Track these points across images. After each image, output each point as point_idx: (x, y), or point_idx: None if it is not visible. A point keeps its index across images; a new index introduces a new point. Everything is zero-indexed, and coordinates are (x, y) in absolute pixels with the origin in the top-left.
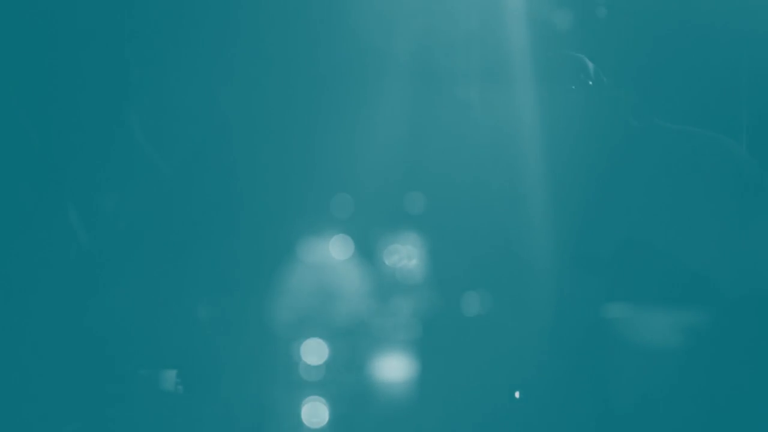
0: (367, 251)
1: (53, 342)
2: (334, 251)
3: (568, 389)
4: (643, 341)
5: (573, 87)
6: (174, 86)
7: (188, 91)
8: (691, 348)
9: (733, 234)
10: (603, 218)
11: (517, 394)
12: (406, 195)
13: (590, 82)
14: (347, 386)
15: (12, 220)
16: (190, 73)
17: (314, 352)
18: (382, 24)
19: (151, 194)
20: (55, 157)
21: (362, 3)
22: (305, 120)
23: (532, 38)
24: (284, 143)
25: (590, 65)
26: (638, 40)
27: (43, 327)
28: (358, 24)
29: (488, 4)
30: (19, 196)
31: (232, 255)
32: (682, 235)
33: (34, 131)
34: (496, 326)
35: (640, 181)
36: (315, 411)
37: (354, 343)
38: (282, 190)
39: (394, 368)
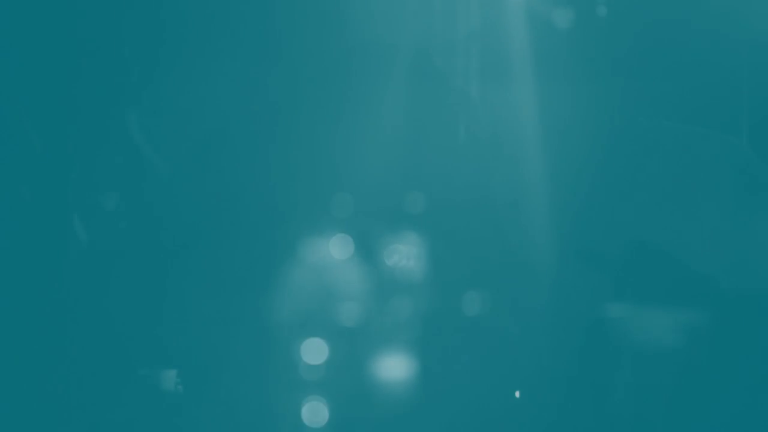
0: (367, 251)
1: (53, 342)
2: (334, 251)
3: (570, 389)
4: (647, 341)
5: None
6: (172, 86)
7: (187, 91)
8: (694, 347)
9: (739, 233)
10: (606, 217)
11: (517, 394)
12: (406, 195)
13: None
14: (347, 386)
15: (11, 220)
16: (189, 73)
17: (314, 352)
18: (382, 22)
19: (150, 194)
20: (55, 157)
21: (362, 1)
22: (305, 119)
23: (535, 36)
24: (284, 143)
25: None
26: (641, 39)
27: (43, 327)
28: (356, 22)
29: (490, 2)
30: (19, 197)
31: (231, 255)
32: (686, 234)
33: (33, 131)
34: (497, 326)
35: (644, 180)
36: (315, 411)
37: (354, 343)
38: (281, 189)
39: (393, 368)
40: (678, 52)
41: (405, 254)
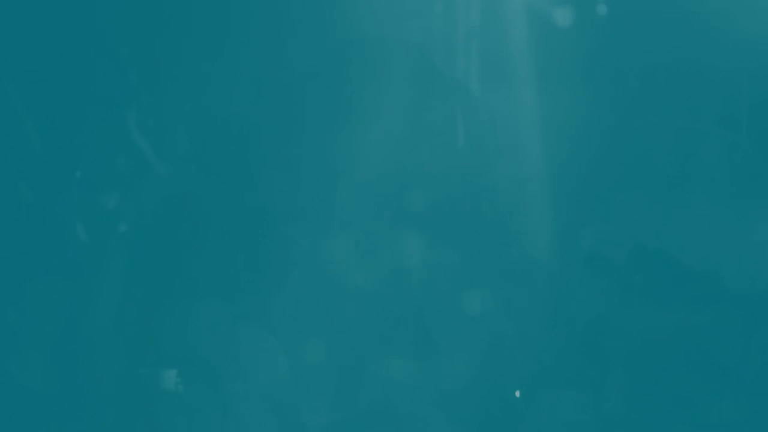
0: (367, 250)
1: (54, 342)
2: (333, 249)
3: (571, 389)
4: (648, 340)
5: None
6: (172, 87)
7: (187, 91)
8: (694, 346)
9: (740, 232)
10: (606, 215)
11: (517, 393)
12: (409, 194)
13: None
14: (348, 385)
15: (12, 220)
16: (189, 73)
17: (315, 351)
18: (383, 23)
19: (150, 194)
20: (55, 156)
21: (363, 3)
22: (306, 119)
23: (536, 35)
24: (285, 142)
25: None
26: (640, 38)
27: (44, 327)
28: (358, 23)
29: (490, 2)
30: (19, 196)
31: (232, 255)
32: (686, 232)
33: (34, 131)
34: (499, 327)
35: (644, 178)
36: (315, 408)
37: (355, 342)
38: (282, 189)
39: (394, 367)
40: (678, 51)
41: (406, 253)
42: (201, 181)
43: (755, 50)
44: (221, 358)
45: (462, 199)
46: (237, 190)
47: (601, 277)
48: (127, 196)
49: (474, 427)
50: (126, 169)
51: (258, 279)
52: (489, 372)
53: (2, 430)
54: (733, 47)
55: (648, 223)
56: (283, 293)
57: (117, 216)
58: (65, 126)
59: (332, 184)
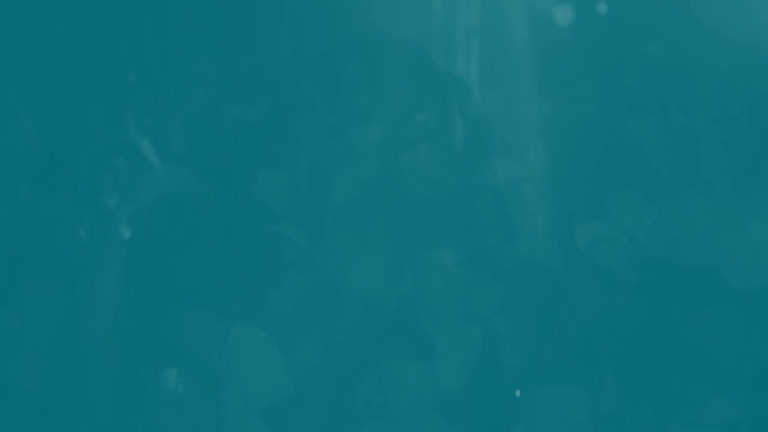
0: (364, 250)
1: (53, 342)
2: (332, 248)
3: (569, 389)
4: (647, 338)
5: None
6: (171, 86)
7: (185, 91)
8: (695, 344)
9: (741, 229)
10: (606, 214)
11: (517, 393)
12: (406, 194)
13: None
14: (348, 384)
15: (10, 220)
16: (187, 73)
17: (311, 350)
18: (382, 21)
19: (150, 194)
20: (55, 156)
21: (361, 1)
22: (303, 118)
23: (535, 34)
24: (281, 141)
25: None
26: (640, 37)
27: (43, 327)
28: (356, 21)
29: (490, 1)
30: (17, 196)
31: (229, 254)
32: (687, 230)
33: (33, 131)
34: (495, 327)
35: (643, 176)
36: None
37: (351, 342)
38: (278, 188)
39: (391, 367)
40: (676, 50)
41: (402, 253)
42: (199, 181)
43: (754, 49)
44: (217, 358)
45: (459, 199)
46: (234, 189)
47: (598, 276)
48: (126, 196)
49: (471, 427)
50: (126, 169)
51: (254, 279)
52: (486, 372)
53: (0, 430)
54: (731, 46)
55: (645, 221)
56: (279, 293)
57: (117, 216)
58: (64, 126)
59: (329, 183)
